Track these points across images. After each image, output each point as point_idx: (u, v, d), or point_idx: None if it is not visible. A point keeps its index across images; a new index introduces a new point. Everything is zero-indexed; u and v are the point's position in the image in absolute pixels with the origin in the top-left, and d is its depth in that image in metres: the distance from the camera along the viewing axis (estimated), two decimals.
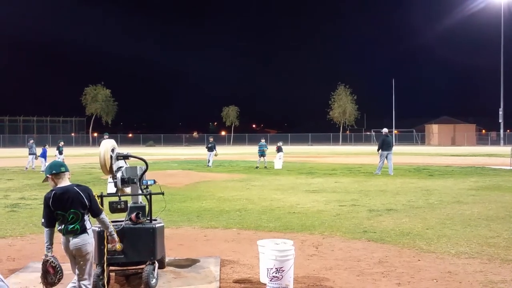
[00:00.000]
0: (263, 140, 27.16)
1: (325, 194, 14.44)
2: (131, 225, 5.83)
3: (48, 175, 4.82)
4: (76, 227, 4.73)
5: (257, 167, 25.65)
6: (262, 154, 26.27)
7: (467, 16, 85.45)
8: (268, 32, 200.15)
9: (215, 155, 28.21)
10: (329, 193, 14.69)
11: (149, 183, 6.31)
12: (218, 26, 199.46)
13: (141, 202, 6.24)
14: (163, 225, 6.13)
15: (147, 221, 5.96)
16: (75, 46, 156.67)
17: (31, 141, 27.09)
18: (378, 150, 21.10)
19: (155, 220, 6.08)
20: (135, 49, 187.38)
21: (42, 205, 4.82)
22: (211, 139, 28.75)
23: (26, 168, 25.47)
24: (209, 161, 27.52)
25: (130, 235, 5.73)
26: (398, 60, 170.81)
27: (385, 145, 20.59)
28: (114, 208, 5.83)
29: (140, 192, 6.19)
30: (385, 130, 21.80)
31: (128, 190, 6.25)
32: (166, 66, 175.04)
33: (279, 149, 27.41)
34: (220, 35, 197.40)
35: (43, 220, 4.81)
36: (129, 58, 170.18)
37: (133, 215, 5.86)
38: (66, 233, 4.75)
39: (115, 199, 5.97)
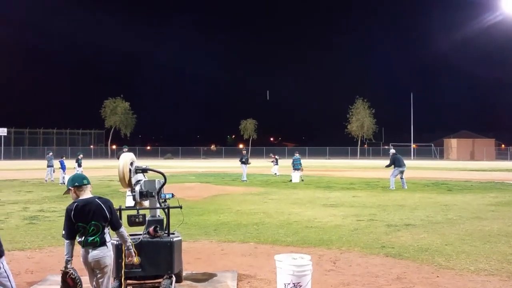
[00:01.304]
0: (297, 154, 27.55)
1: (342, 208, 14.36)
2: (149, 239, 5.86)
3: (70, 187, 4.89)
4: (96, 239, 4.78)
5: (302, 180, 25.79)
6: (297, 167, 26.51)
7: (485, 28, 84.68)
8: (287, 45, 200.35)
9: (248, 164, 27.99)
10: (347, 207, 14.61)
11: (167, 196, 6.35)
12: (234, 39, 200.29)
13: (159, 216, 6.27)
14: (181, 239, 6.14)
15: (164, 234, 5.99)
16: (95, 58, 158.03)
17: (50, 153, 27.55)
18: (389, 166, 21.95)
19: (173, 234, 6.10)
20: (155, 61, 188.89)
21: (61, 218, 4.87)
22: (244, 152, 28.54)
23: (46, 181, 25.79)
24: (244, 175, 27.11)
25: (148, 249, 5.75)
26: (417, 74, 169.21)
27: (397, 162, 21.39)
28: (133, 221, 5.86)
29: (158, 205, 6.23)
30: (392, 150, 22.82)
31: (146, 203, 6.29)
32: (185, 78, 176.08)
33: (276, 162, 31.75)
34: (238, 48, 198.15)
35: (63, 232, 4.85)
36: (149, 70, 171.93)
37: (151, 229, 5.89)
38: (85, 245, 4.79)
39: (134, 212, 6.02)
